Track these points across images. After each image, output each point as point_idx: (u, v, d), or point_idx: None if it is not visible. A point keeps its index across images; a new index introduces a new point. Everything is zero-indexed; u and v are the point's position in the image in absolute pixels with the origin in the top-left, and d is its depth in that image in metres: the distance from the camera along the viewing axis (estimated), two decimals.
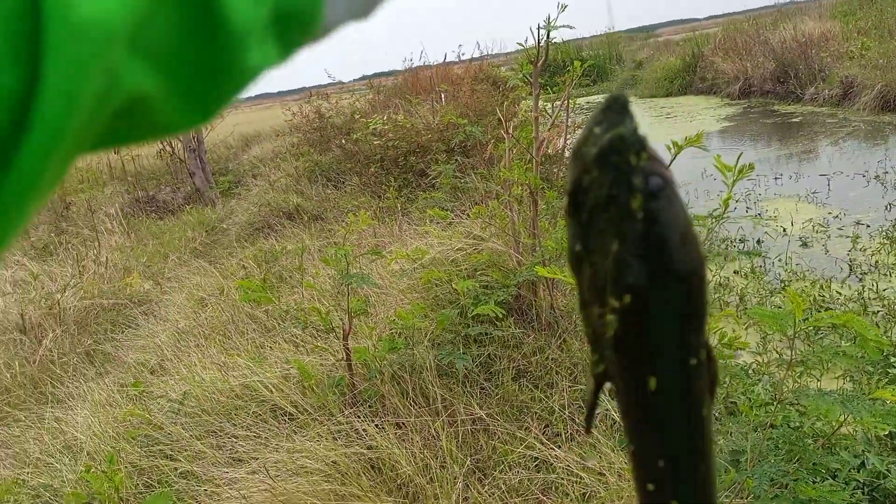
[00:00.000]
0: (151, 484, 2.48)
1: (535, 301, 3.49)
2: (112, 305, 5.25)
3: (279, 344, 3.43)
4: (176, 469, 2.52)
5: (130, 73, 0.23)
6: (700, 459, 0.36)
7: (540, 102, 3.54)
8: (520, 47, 3.51)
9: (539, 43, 3.27)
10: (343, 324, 2.84)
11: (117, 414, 3.01)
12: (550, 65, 9.95)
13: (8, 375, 4.13)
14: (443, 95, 9.65)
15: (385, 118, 8.33)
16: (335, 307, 3.38)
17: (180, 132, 0.29)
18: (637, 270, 0.33)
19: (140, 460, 2.58)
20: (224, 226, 7.82)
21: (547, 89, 4.00)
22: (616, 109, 0.34)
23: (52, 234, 7.64)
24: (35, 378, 4.13)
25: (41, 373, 4.20)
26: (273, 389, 2.90)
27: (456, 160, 6.86)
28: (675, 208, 0.33)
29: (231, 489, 2.28)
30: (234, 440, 2.67)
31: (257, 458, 2.49)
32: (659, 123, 12.02)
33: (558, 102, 3.87)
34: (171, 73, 0.25)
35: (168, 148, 11.11)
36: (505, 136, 3.85)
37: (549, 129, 3.75)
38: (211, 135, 12.21)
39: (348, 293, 2.79)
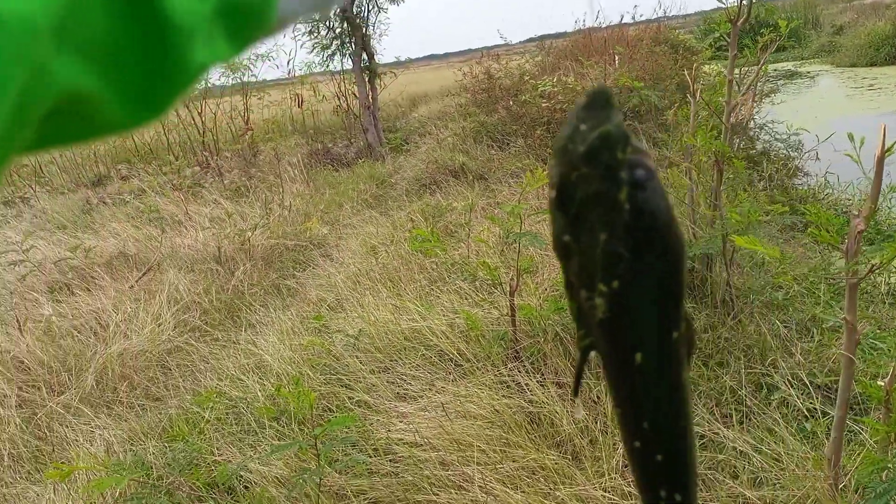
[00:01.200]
0: (329, 408, 2.71)
1: (709, 276, 3.33)
2: (294, 246, 5.72)
3: (446, 294, 3.56)
4: (351, 398, 2.74)
5: (62, 70, 0.23)
6: (680, 416, 0.40)
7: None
8: (706, 8, 3.28)
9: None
10: (510, 280, 2.89)
11: (300, 342, 3.31)
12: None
13: (206, 300, 4.66)
14: (616, 58, 9.30)
15: (555, 80, 8.20)
16: (502, 264, 3.44)
17: (129, 130, 0.27)
18: (625, 258, 0.34)
19: (320, 386, 2.82)
20: (393, 180, 8.18)
21: (744, 52, 3.72)
22: (599, 105, 0.35)
23: (244, 178, 8.41)
24: (228, 304, 4.63)
25: (234, 300, 4.70)
26: (440, 336, 3.04)
27: (628, 125, 6.62)
28: (659, 196, 0.35)
29: (402, 422, 2.43)
30: (403, 378, 2.84)
31: (424, 398, 2.63)
32: (860, 95, 10.76)
33: (748, 68, 3.59)
34: (111, 71, 0.25)
35: (344, 105, 11.74)
36: (691, 99, 3.65)
37: (743, 95, 3.49)
38: (382, 94, 12.71)
39: (518, 250, 2.83)
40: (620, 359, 0.38)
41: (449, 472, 2.10)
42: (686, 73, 3.74)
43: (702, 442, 2.35)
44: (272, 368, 3.11)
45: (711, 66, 7.36)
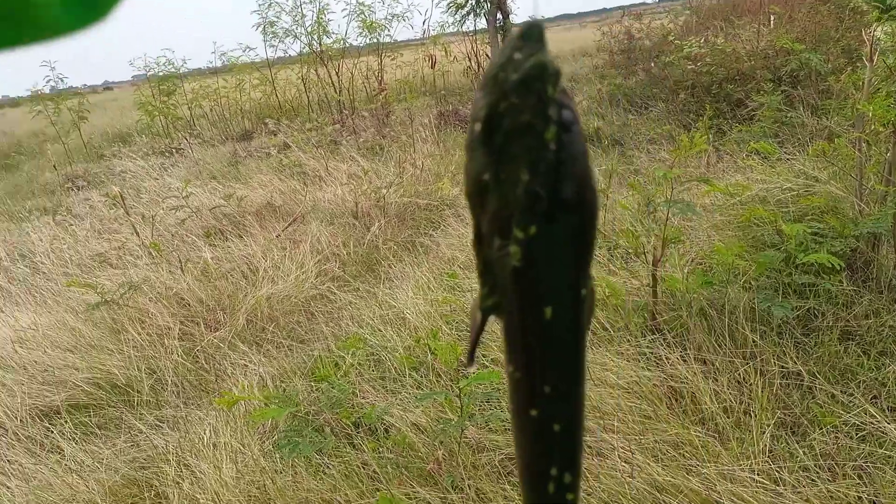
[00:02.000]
0: (464, 364, 2.78)
1: (875, 258, 3.05)
2: (426, 205, 5.84)
3: None
4: (485, 355, 2.79)
5: None
6: (579, 382, 0.37)
7: None
8: None
9: None
10: (654, 250, 2.79)
11: (435, 298, 3.40)
12: None
13: (345, 252, 4.88)
14: (772, 18, 8.59)
15: (702, 41, 7.72)
16: (644, 233, 3.33)
17: (73, 32, 0.26)
18: (544, 201, 0.33)
19: (455, 341, 2.89)
20: None
21: None
22: (534, 37, 0.33)
23: (378, 137, 8.64)
24: (365, 257, 4.83)
25: (370, 254, 4.90)
26: None
27: (783, 91, 6.13)
28: (581, 143, 0.33)
29: None
30: None
31: None
32: None
33: None
34: None
35: (475, 65, 11.70)
36: (867, 63, 3.31)
37: None
38: None
39: (666, 219, 2.72)
40: (528, 314, 0.35)
41: (587, 438, 2.09)
42: (863, 33, 3.39)
43: (860, 434, 2.20)
44: (409, 321, 3.22)
45: (883, 28, 6.61)
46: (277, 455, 2.32)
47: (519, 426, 0.39)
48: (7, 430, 3.06)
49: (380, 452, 2.23)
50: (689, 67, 7.16)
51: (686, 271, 2.95)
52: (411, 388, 2.59)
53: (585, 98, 8.29)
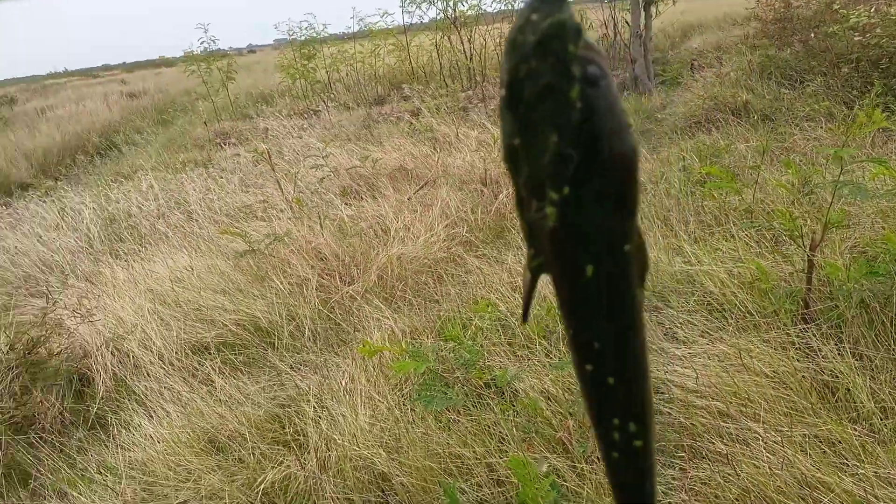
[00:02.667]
0: None
1: None
2: None
3: (724, 240, 3.33)
4: None
5: None
6: (632, 337, 0.37)
7: None
8: None
9: None
10: (812, 234, 2.59)
11: None
12: None
13: (472, 218, 4.92)
14: None
15: (872, 10, 6.97)
16: (799, 214, 3.10)
17: None
18: (575, 160, 0.32)
19: None
20: (660, 116, 7.75)
21: None
22: None
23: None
24: (492, 224, 4.85)
25: (497, 221, 4.90)
26: (717, 283, 2.86)
27: None
28: (612, 97, 0.32)
29: (672, 364, 2.37)
30: (673, 321, 2.74)
31: (697, 345, 2.52)
32: None
33: None
34: None
35: (610, 33, 11.26)
36: None
37: None
38: (653, 22, 11.91)
39: (831, 201, 2.51)
40: (570, 273, 0.35)
41: (729, 425, 2.00)
42: None
43: None
44: (539, 291, 3.20)
45: None
46: (409, 406, 2.40)
47: (580, 379, 0.39)
48: (164, 360, 3.37)
49: (507, 415, 2.25)
50: (856, 39, 6.51)
51: (847, 259, 2.71)
52: (541, 356, 2.58)
53: (734, 69, 7.77)
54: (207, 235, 4.92)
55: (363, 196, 5.42)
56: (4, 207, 6.89)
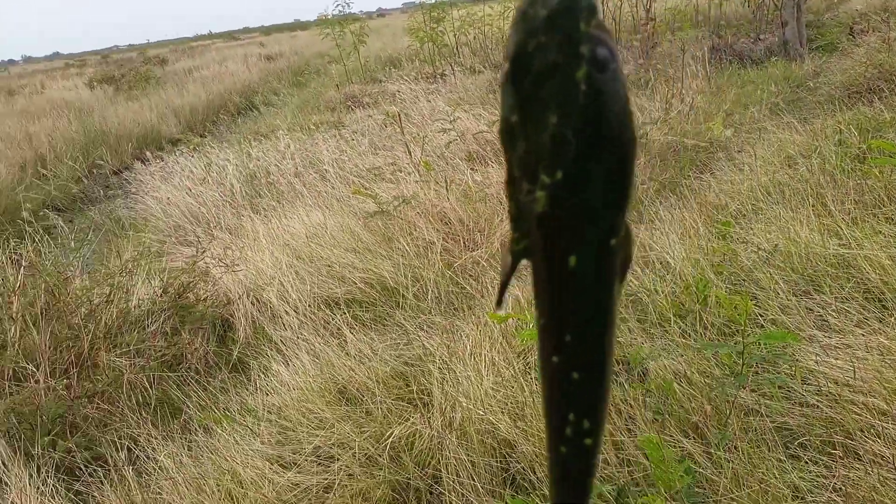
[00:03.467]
0: (733, 320, 2.57)
1: None
2: (692, 146, 5.44)
3: (885, 223, 3.02)
4: (762, 315, 2.55)
5: None
6: (605, 334, 0.36)
7: None
8: None
9: None
10: None
11: (701, 245, 3.17)
12: None
13: None
14: None
15: None
16: None
17: None
18: (573, 144, 0.31)
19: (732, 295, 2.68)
20: (812, 84, 7.11)
21: None
22: None
23: (643, 71, 8.18)
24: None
25: None
26: (880, 270, 2.60)
27: None
28: (618, 83, 0.31)
29: (823, 354, 2.19)
30: (825, 308, 2.53)
31: (853, 335, 2.31)
32: None
33: None
34: None
35: None
36: None
37: None
38: None
39: None
40: (553, 261, 0.34)
41: (890, 426, 1.83)
42: None
43: None
44: (671, 266, 3.06)
45: None
46: (532, 376, 2.38)
47: (543, 370, 0.39)
48: (299, 312, 3.55)
49: (638, 394, 2.17)
50: None
51: None
52: (675, 336, 2.47)
53: None
54: (339, 195, 5.09)
55: (489, 162, 5.39)
56: (158, 161, 7.49)
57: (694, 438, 1.96)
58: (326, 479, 2.16)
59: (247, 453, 2.26)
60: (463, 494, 2.03)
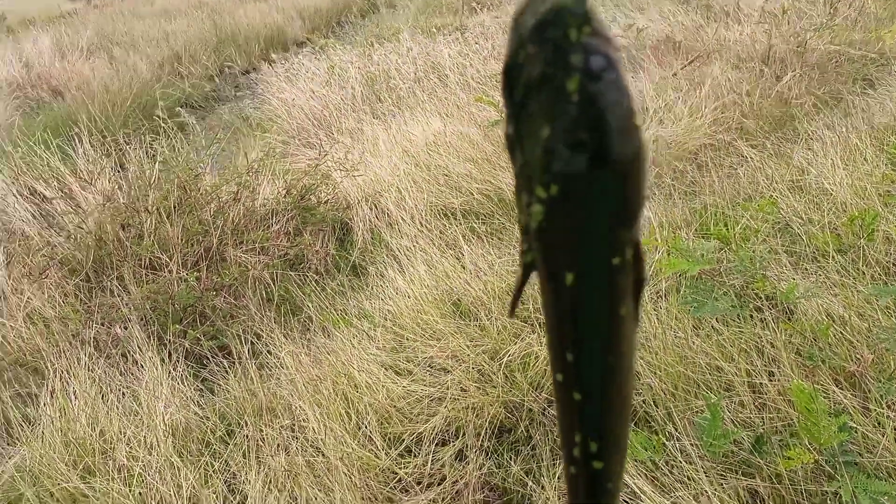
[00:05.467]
0: None
1: None
2: (860, 57, 4.76)
3: None
4: None
5: None
6: (608, 356, 0.35)
7: None
8: None
9: None
10: None
11: (870, 171, 2.78)
12: None
13: (747, 102, 4.29)
14: None
15: None
16: None
17: None
18: (566, 159, 0.30)
19: None
20: None
21: None
22: None
23: None
24: (769, 111, 4.20)
25: (775, 108, 4.23)
26: None
27: None
28: (617, 92, 0.30)
29: None
30: None
31: None
32: None
33: None
34: None
35: None
36: None
37: None
38: None
39: None
40: (551, 277, 0.33)
41: None
42: None
43: None
44: (831, 194, 2.71)
45: None
46: (662, 306, 2.21)
47: (553, 385, 0.37)
48: (415, 220, 3.50)
49: (784, 335, 1.96)
50: None
51: None
52: (831, 272, 2.19)
53: None
54: (459, 101, 4.92)
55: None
56: (283, 62, 7.56)
57: (848, 389, 1.74)
58: (439, 390, 2.14)
59: (362, 358, 2.27)
60: None
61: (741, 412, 1.79)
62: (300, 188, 3.71)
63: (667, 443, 1.75)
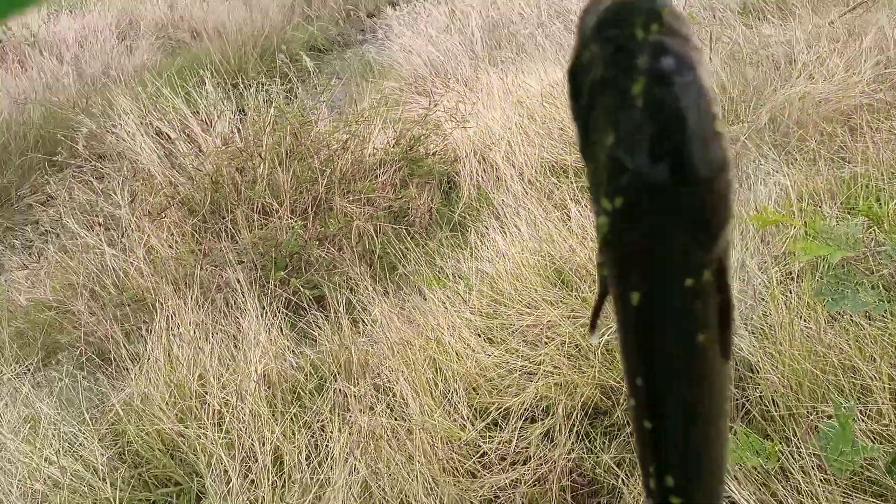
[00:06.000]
0: None
1: None
2: None
3: None
4: None
5: None
6: (685, 382, 0.33)
7: None
8: None
9: None
10: None
11: None
12: None
13: None
14: None
15: None
16: None
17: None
18: (632, 169, 0.27)
19: None
20: None
21: None
22: None
23: None
24: None
25: None
26: None
27: None
28: (691, 96, 0.27)
29: None
30: None
31: None
32: None
33: None
34: None
35: None
36: None
37: None
38: None
39: None
40: (619, 295, 0.31)
41: None
42: None
43: None
44: None
45: None
46: (793, 291, 1.95)
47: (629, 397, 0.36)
48: (524, 178, 3.34)
49: None
50: None
51: None
52: None
53: None
54: None
55: (768, 15, 4.48)
56: (406, 5, 7.46)
57: None
58: (532, 363, 2.02)
59: (455, 322, 2.19)
60: None
61: (878, 423, 1.55)
62: (409, 138, 3.63)
63: (783, 449, 1.55)
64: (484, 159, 3.52)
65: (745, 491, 1.45)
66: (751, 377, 1.79)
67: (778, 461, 1.51)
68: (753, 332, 1.85)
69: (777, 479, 1.47)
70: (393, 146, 3.63)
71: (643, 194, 0.28)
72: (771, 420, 1.66)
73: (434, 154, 3.67)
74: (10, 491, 1.72)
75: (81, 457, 1.95)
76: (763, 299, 1.96)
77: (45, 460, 1.87)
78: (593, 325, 0.38)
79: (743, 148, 3.06)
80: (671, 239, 0.29)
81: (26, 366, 2.51)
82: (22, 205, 4.43)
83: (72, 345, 2.62)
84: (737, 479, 1.51)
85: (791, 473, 1.50)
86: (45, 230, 3.76)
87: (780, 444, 1.56)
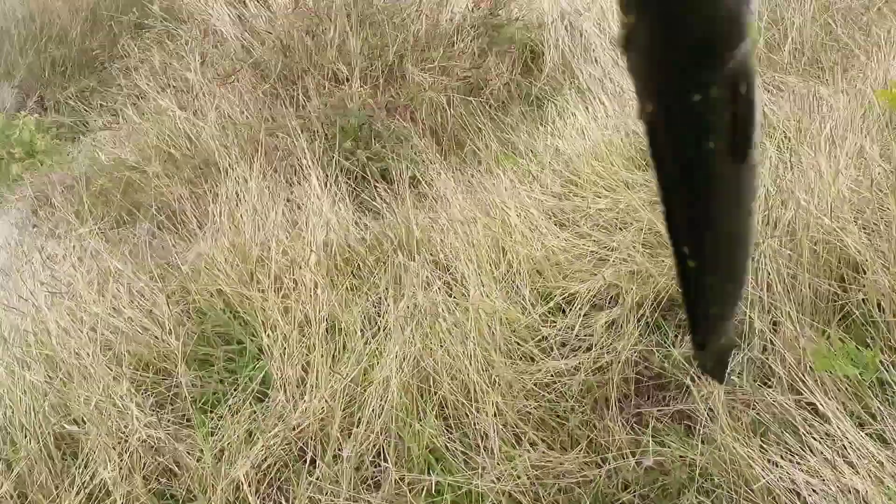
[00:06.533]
0: None
1: None
2: None
3: None
4: None
5: None
6: (693, 181, 0.35)
7: None
8: None
9: None
10: None
11: None
12: None
13: None
14: None
15: None
16: None
17: None
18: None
19: None
20: None
21: None
22: None
23: None
24: None
25: None
26: None
27: None
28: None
29: None
30: None
31: None
32: None
33: None
34: None
35: None
36: None
37: None
38: None
39: None
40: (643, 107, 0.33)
41: None
42: None
43: None
44: None
45: None
46: None
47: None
48: (613, 45, 3.02)
49: None
50: None
51: None
52: None
53: None
54: None
55: None
56: None
57: None
58: (603, 250, 1.87)
59: (524, 201, 2.04)
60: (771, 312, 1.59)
61: None
62: (490, 3, 3.33)
63: (883, 360, 1.37)
64: (572, 25, 3.20)
65: (834, 401, 1.29)
66: (855, 277, 1.57)
67: (876, 371, 1.33)
68: (865, 227, 1.62)
69: (873, 392, 1.31)
70: (472, 10, 3.35)
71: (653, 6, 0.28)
72: (873, 326, 1.46)
73: (517, 20, 3.37)
74: (79, 335, 1.78)
75: (150, 312, 1.99)
76: (880, 191, 1.70)
77: (114, 310, 1.92)
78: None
79: (879, 16, 2.62)
80: (676, 60, 0.30)
81: (104, 223, 2.57)
82: (111, 68, 4.46)
83: (147, 205, 2.65)
84: (824, 386, 1.35)
85: (889, 386, 1.33)
86: (128, 93, 3.77)
87: (882, 353, 1.37)
